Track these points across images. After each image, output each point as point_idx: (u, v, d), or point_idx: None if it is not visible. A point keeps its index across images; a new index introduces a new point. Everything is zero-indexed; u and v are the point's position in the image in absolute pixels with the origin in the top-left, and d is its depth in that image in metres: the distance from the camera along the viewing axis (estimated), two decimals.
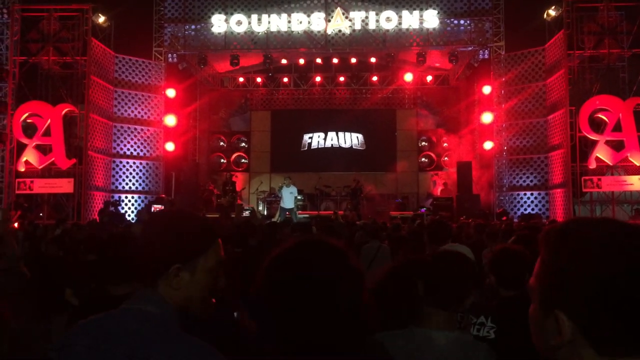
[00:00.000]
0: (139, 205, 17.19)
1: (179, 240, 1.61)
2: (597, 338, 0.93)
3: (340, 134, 22.19)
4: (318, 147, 22.20)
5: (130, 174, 17.33)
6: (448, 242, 4.81)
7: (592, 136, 15.19)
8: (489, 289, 3.49)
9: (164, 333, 1.45)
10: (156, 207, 15.63)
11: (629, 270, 0.92)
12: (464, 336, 2.28)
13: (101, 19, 16.61)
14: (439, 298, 2.20)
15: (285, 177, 17.26)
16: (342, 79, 21.31)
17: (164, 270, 1.56)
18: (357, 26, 17.07)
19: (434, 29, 17.01)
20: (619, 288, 0.91)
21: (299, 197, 17.96)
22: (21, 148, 15.46)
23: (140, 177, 17.46)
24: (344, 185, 19.55)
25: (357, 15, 17.05)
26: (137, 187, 17.39)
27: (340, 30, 17.14)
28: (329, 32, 17.12)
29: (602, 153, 15.14)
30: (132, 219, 16.01)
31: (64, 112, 15.54)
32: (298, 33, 17.24)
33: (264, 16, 17.14)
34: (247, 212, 17.63)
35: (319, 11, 17.10)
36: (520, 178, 17.14)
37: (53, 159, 15.39)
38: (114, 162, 17.13)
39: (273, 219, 13.84)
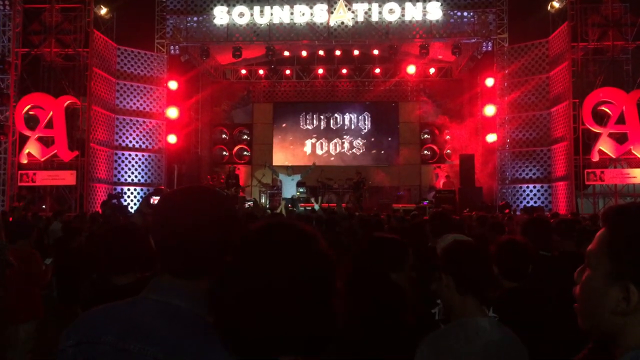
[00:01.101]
0: (142, 197, 17.21)
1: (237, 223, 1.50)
2: None
3: None
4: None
5: (133, 166, 17.35)
6: (451, 233, 4.79)
7: (595, 129, 15.14)
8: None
9: (200, 335, 1.29)
10: (155, 199, 15.61)
11: None
12: (494, 319, 2.41)
13: (103, 10, 16.58)
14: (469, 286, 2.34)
15: (287, 166, 17.25)
16: (344, 71, 21.24)
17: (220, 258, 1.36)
18: (360, 18, 17.01)
19: (437, 20, 16.94)
20: None
21: (301, 190, 17.94)
22: (23, 140, 15.47)
23: (142, 170, 17.48)
24: (347, 177, 19.55)
25: (360, 7, 16.98)
26: (139, 180, 17.41)
27: (342, 22, 17.07)
28: (331, 24, 17.06)
29: (605, 146, 15.10)
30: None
31: (66, 104, 15.53)
32: (300, 25, 17.18)
33: (267, 8, 17.08)
34: (249, 204, 17.63)
35: (322, 3, 17.03)
36: (523, 171, 17.12)
37: (55, 151, 15.40)
38: (116, 154, 17.14)
39: (276, 211, 13.82)
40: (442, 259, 2.49)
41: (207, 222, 1.41)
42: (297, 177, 16.27)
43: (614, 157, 15.19)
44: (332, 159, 21.21)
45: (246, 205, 17.12)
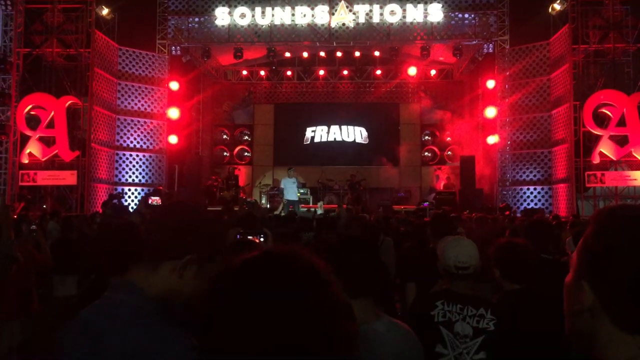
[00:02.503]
0: (142, 198, 17.22)
1: (203, 231, 1.60)
2: (616, 313, 1.01)
3: (344, 127, 22.17)
4: (321, 141, 22.19)
5: (134, 166, 17.36)
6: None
7: (596, 131, 15.15)
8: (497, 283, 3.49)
9: (140, 326, 1.45)
10: (154, 199, 15.63)
11: None
12: (391, 321, 2.26)
13: (105, 11, 16.60)
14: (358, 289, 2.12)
15: (288, 168, 17.25)
16: (345, 72, 21.25)
17: (177, 255, 1.54)
18: (361, 19, 17.02)
19: (438, 22, 16.95)
20: None
21: (302, 191, 17.95)
22: (24, 140, 15.49)
23: (143, 170, 17.49)
24: (347, 179, 19.57)
25: (361, 9, 16.99)
26: (140, 180, 17.42)
27: (344, 24, 17.09)
28: (332, 25, 17.07)
29: (605, 148, 15.10)
30: None
31: (67, 104, 15.55)
32: (302, 26, 17.20)
33: (268, 9, 17.09)
34: (246, 206, 17.62)
35: (323, 4, 17.05)
36: (524, 173, 17.12)
37: (56, 151, 15.42)
38: (117, 154, 17.16)
39: (276, 212, 13.83)
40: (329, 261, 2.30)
41: (187, 225, 1.59)
42: (296, 181, 16.32)
43: (614, 159, 15.20)
44: (333, 159, 21.20)
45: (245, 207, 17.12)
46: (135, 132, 17.36)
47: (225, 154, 22.31)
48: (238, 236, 3.21)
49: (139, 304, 1.50)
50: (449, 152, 21.23)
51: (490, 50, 17.60)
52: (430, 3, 16.83)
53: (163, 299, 1.54)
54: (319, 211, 14.26)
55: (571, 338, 1.13)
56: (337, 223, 7.60)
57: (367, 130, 22.05)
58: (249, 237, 3.17)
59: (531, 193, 16.96)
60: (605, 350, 1.03)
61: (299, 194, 16.88)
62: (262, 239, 3.16)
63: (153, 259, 1.57)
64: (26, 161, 15.44)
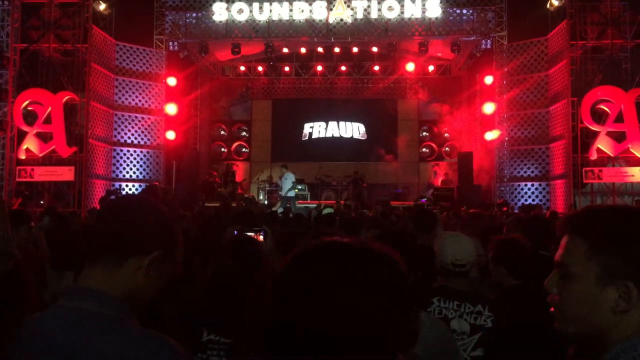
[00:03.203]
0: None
1: (169, 225, 1.53)
2: None
3: (342, 123, 22.17)
4: (319, 137, 22.19)
5: (131, 162, 17.32)
6: (436, 230, 4.86)
7: (594, 127, 15.16)
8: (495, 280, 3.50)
9: (100, 334, 1.33)
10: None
11: None
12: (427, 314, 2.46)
13: (102, 6, 16.52)
14: None
15: (281, 165, 17.27)
16: (343, 68, 21.22)
17: (144, 251, 1.44)
18: (359, 15, 16.98)
19: (436, 18, 16.92)
20: None
21: (299, 187, 17.97)
22: (22, 136, 15.43)
23: (141, 166, 17.46)
24: (345, 175, 19.58)
25: (359, 4, 16.94)
26: (137, 176, 17.39)
27: (342, 19, 17.05)
28: (330, 20, 17.03)
29: (603, 144, 15.12)
30: None
31: (64, 99, 15.50)
32: (300, 22, 17.15)
33: (266, 4, 17.04)
34: (244, 203, 17.65)
35: (321, 0, 17.01)
36: (521, 169, 17.13)
37: (54, 146, 15.38)
38: (115, 150, 17.12)
39: (274, 209, 13.86)
40: None
41: (145, 221, 1.48)
42: (291, 177, 16.39)
43: (612, 155, 15.21)
44: (331, 155, 21.20)
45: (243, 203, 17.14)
46: (132, 127, 17.32)
47: (223, 149, 22.29)
48: (235, 232, 3.20)
49: (106, 311, 1.37)
50: (447, 148, 21.25)
51: (489, 46, 17.58)
52: None
53: (127, 300, 1.43)
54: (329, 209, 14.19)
55: (581, 337, 1.23)
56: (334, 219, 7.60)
57: (365, 126, 22.05)
58: (247, 234, 3.16)
59: (529, 189, 16.97)
60: (619, 332, 1.16)
61: (296, 190, 16.92)
62: (261, 237, 3.15)
63: (116, 255, 1.44)
64: (23, 157, 15.39)
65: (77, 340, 1.32)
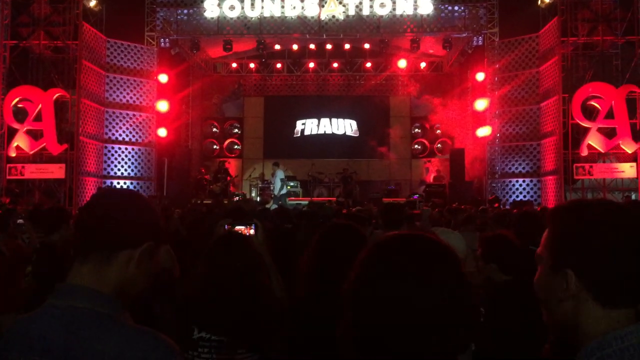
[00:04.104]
0: None
1: (156, 217, 1.53)
2: (601, 292, 1.19)
3: (334, 120, 22.16)
4: (311, 134, 22.18)
5: (122, 159, 17.24)
6: (403, 225, 4.91)
7: (585, 123, 15.24)
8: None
9: (95, 334, 1.32)
10: None
11: (625, 241, 1.19)
12: None
13: (92, 2, 16.43)
14: None
15: (273, 163, 17.25)
16: (335, 65, 21.21)
17: (134, 244, 1.44)
18: (351, 12, 16.96)
19: (428, 15, 16.94)
20: (618, 254, 1.18)
21: (291, 184, 17.97)
22: (12, 133, 15.33)
23: (132, 163, 17.39)
24: (337, 172, 19.59)
25: (351, 1, 16.92)
26: (129, 173, 17.32)
27: (333, 16, 17.03)
28: (322, 17, 17.01)
29: (594, 140, 15.20)
30: None
31: (55, 97, 15.40)
32: (291, 18, 17.12)
33: (257, 1, 16.98)
34: (236, 198, 17.65)
35: None
36: (513, 165, 17.20)
37: (44, 144, 15.29)
38: (106, 147, 17.03)
39: (267, 206, 13.84)
40: None
41: (135, 213, 1.48)
42: (281, 174, 16.44)
43: (602, 151, 15.30)
44: (323, 152, 21.20)
45: (235, 199, 17.14)
46: (124, 125, 17.23)
47: (215, 147, 22.24)
48: (227, 227, 3.19)
49: (100, 309, 1.36)
50: (439, 145, 21.31)
51: (480, 43, 17.62)
52: None
53: (119, 296, 1.42)
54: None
55: (550, 324, 1.29)
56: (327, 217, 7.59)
57: (357, 123, 22.05)
58: (238, 227, 3.15)
59: (520, 185, 17.04)
60: (588, 326, 1.20)
61: (288, 187, 16.93)
62: (252, 231, 3.14)
63: (106, 250, 1.42)
64: (13, 154, 15.30)
65: (72, 339, 1.31)
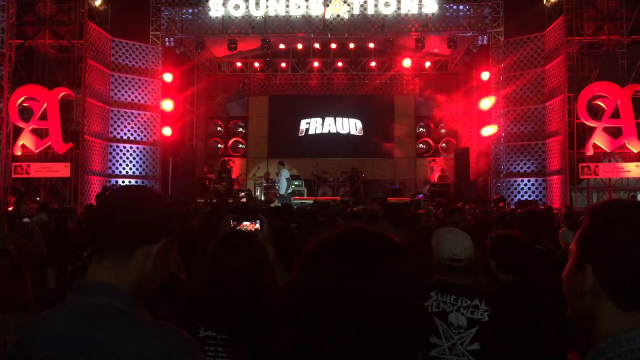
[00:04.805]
0: None
1: (172, 212, 1.54)
2: (616, 292, 1.18)
3: (338, 119, 22.15)
4: (315, 133, 22.18)
5: (127, 158, 17.27)
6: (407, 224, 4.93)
7: (590, 123, 15.19)
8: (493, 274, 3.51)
9: (119, 330, 1.33)
10: None
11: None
12: None
13: (98, 1, 16.45)
14: None
15: (278, 162, 17.26)
16: (340, 64, 21.20)
17: (151, 240, 1.45)
18: (356, 11, 16.95)
19: (432, 14, 16.91)
20: (633, 255, 1.17)
21: (296, 183, 17.97)
22: (17, 132, 15.40)
23: (137, 162, 17.42)
24: (342, 171, 19.58)
25: (356, 0, 16.92)
26: (134, 172, 17.35)
27: (338, 15, 17.02)
28: (327, 16, 17.00)
29: (599, 140, 15.15)
30: None
31: (60, 95, 15.46)
32: (296, 17, 17.11)
33: (262, 0, 17.00)
34: (242, 194, 17.69)
35: None
36: (518, 164, 17.15)
37: (49, 143, 15.35)
38: (111, 146, 17.07)
39: (272, 205, 13.85)
40: None
41: (151, 208, 1.49)
42: (286, 173, 16.48)
43: (608, 151, 15.25)
44: (327, 151, 21.20)
45: (241, 195, 17.15)
46: (128, 124, 17.27)
47: (219, 146, 22.27)
48: (232, 222, 3.19)
49: (120, 306, 1.37)
50: (444, 144, 21.27)
51: (485, 42, 17.58)
52: None
53: (137, 293, 1.43)
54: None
55: (573, 319, 1.29)
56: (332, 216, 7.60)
57: (361, 122, 22.04)
58: (244, 222, 3.15)
59: (525, 185, 17.00)
60: (604, 325, 1.19)
61: (293, 187, 16.95)
62: (257, 225, 3.14)
63: (124, 248, 1.44)
64: (19, 153, 15.36)
65: (94, 335, 1.32)
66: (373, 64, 21.07)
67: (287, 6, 16.97)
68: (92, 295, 1.39)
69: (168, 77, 17.54)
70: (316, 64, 21.22)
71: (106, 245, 1.45)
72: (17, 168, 15.36)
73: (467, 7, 17.24)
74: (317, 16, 17.03)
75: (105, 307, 1.36)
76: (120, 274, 1.42)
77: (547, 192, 16.44)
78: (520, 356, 2.82)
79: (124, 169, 17.21)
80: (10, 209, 10.80)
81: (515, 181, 17.15)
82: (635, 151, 15.06)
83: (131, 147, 17.33)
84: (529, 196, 16.64)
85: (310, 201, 14.50)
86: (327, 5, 16.91)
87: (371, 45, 19.64)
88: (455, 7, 17.23)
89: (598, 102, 15.20)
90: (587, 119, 15.16)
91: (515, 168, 17.18)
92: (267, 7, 16.98)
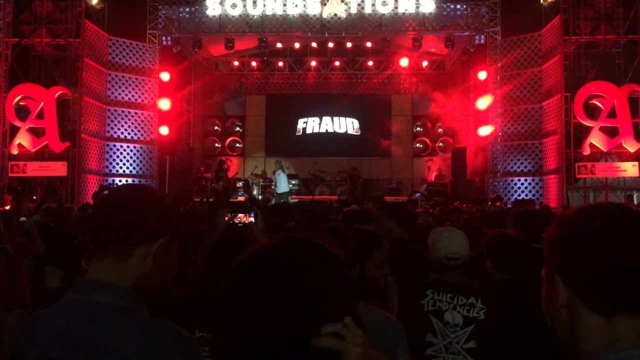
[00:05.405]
0: None
1: (171, 211, 1.54)
2: (589, 299, 1.06)
3: (335, 118, 22.15)
4: (313, 132, 22.16)
5: (124, 157, 17.25)
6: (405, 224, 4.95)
7: (587, 122, 15.22)
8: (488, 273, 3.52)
9: (118, 328, 1.33)
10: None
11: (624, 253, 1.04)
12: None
13: (94, 0, 16.43)
14: None
15: (275, 161, 17.25)
16: (337, 63, 21.18)
17: (150, 239, 1.45)
18: (353, 10, 16.94)
19: (430, 13, 16.91)
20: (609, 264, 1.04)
21: (293, 182, 17.97)
22: (14, 131, 15.36)
23: (134, 161, 17.39)
24: (339, 170, 19.58)
25: None
26: (131, 171, 17.32)
27: (336, 14, 17.00)
28: (324, 15, 16.99)
29: (596, 139, 15.18)
30: None
31: (57, 94, 15.42)
32: (293, 16, 17.10)
33: None
34: (240, 184, 17.75)
35: None
36: (515, 164, 17.18)
37: (46, 142, 15.31)
38: (108, 145, 17.04)
39: (269, 203, 13.86)
40: None
41: (150, 206, 1.49)
42: (284, 173, 16.48)
43: (605, 150, 15.28)
44: (324, 151, 21.19)
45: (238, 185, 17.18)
46: (125, 123, 17.24)
47: (216, 145, 22.24)
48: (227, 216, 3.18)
49: (120, 304, 1.37)
50: (441, 144, 21.28)
51: (482, 41, 17.60)
52: None
53: (137, 291, 1.43)
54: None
55: (555, 337, 1.17)
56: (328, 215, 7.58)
57: (359, 122, 22.03)
58: (239, 215, 3.14)
59: (522, 184, 17.02)
60: (585, 343, 1.07)
61: (290, 186, 16.95)
62: (252, 219, 3.13)
63: (124, 246, 1.44)
64: (16, 152, 15.32)
65: (94, 333, 1.32)
66: (370, 63, 21.07)
67: (285, 5, 16.95)
68: (92, 293, 1.39)
69: (165, 76, 17.52)
70: (313, 63, 21.20)
71: (106, 244, 1.45)
72: (14, 167, 15.33)
73: (464, 7, 17.25)
74: (314, 15, 17.02)
75: (104, 304, 1.37)
76: (120, 273, 1.43)
77: (544, 191, 16.46)
78: (516, 354, 2.83)
79: (120, 168, 17.18)
80: (7, 207, 10.79)
81: (512, 180, 17.18)
82: (632, 151, 15.09)
83: (128, 146, 17.31)
84: (526, 195, 16.67)
85: (307, 200, 14.51)
86: (325, 5, 16.90)
87: (368, 44, 19.64)
88: (452, 6, 17.24)
89: (595, 102, 15.23)
90: (583, 118, 15.18)
91: (512, 167, 17.20)
92: (264, 6, 16.95)
